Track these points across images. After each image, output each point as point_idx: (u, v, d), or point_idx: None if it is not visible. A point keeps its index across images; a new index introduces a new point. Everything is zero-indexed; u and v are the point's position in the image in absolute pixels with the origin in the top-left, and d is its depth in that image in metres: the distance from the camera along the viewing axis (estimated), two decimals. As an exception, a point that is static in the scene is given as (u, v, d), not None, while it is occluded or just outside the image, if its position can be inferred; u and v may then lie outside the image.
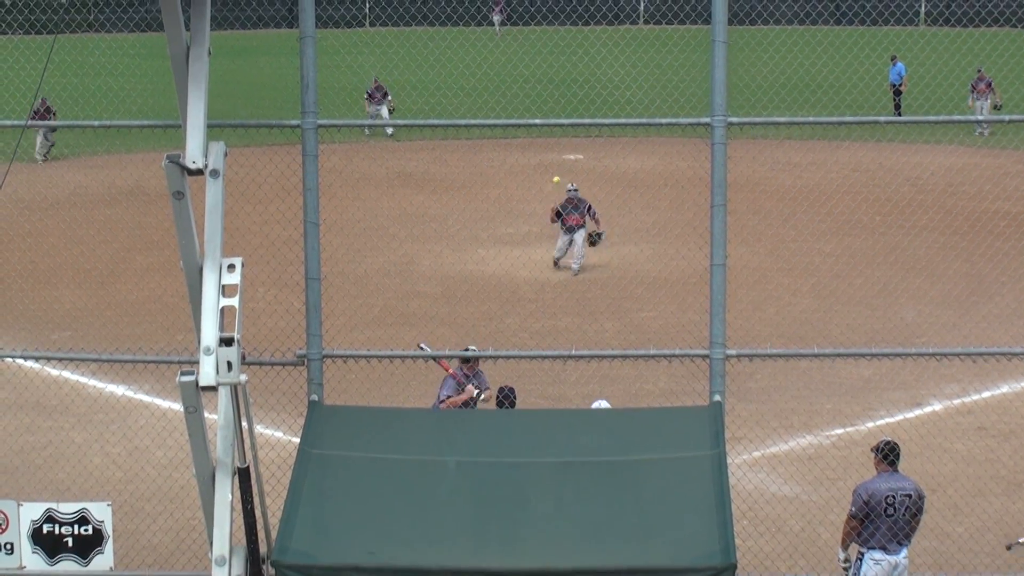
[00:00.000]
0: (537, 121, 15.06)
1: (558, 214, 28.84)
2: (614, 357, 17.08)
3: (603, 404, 16.18)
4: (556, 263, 28.71)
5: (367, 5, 72.92)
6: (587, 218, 28.76)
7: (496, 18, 69.96)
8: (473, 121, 19.22)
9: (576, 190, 29.25)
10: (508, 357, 17.59)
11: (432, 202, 33.72)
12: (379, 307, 24.87)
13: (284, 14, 62.87)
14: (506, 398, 16.37)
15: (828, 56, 39.09)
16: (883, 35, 49.57)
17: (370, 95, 45.30)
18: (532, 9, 55.82)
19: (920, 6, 69.18)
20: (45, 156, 40.99)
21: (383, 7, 66.80)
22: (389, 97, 45.19)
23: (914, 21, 65.74)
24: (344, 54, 42.93)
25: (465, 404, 16.45)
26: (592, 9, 61.14)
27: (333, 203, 13.36)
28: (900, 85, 47.01)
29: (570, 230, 28.78)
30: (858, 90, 41.78)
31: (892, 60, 47.43)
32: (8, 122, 14.83)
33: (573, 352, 14.68)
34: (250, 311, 11.14)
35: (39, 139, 40.87)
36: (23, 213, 29.85)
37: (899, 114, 44.57)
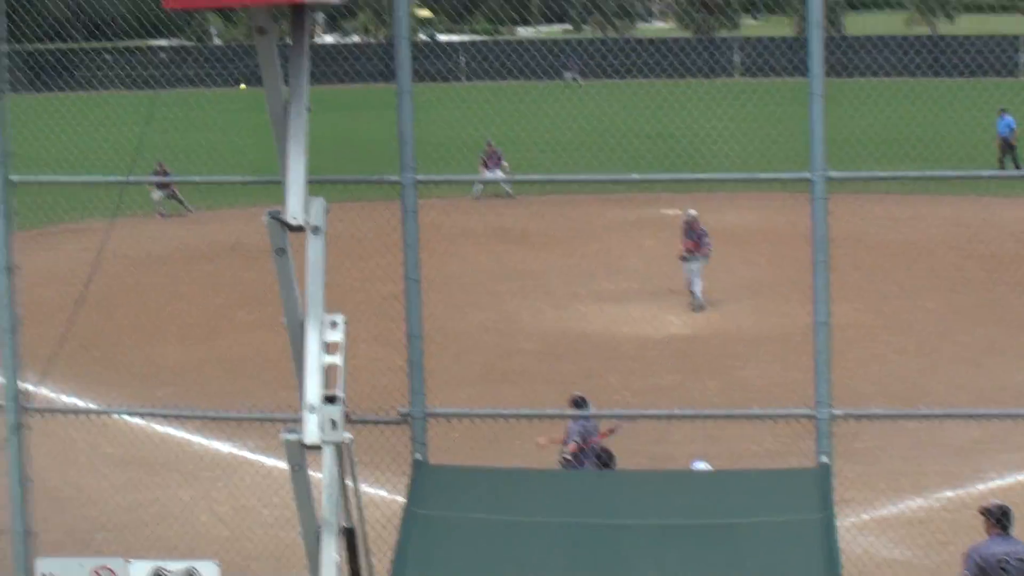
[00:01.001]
0: (635, 176, 15.08)
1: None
2: (717, 417, 16.98)
3: (703, 465, 16.06)
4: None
5: (463, 60, 73.48)
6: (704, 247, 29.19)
7: (568, 75, 70.39)
8: (572, 176, 19.20)
9: (695, 217, 29.52)
10: (610, 417, 17.57)
11: (531, 258, 33.83)
12: (480, 364, 24.90)
13: (381, 69, 63.43)
14: (602, 459, 16.34)
15: (928, 108, 38.82)
16: (983, 86, 49.02)
17: (485, 161, 45.34)
18: (628, 63, 56.07)
19: (1019, 56, 68.73)
20: (185, 209, 41.72)
21: (479, 61, 67.35)
22: (504, 162, 45.19)
23: (1013, 72, 65.28)
24: (441, 108, 43.12)
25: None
26: (687, 62, 61.27)
27: (433, 259, 13.42)
28: (1010, 138, 46.02)
29: (683, 257, 29.31)
30: (959, 143, 41.35)
31: (999, 112, 46.52)
32: (110, 178, 14.99)
33: (676, 412, 14.60)
34: (352, 368, 11.14)
35: (156, 196, 41.39)
36: (127, 269, 30.15)
37: (1016, 167, 44.01)
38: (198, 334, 27.40)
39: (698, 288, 29.25)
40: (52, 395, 17.73)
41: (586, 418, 17.15)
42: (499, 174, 43.50)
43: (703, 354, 25.75)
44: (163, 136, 36.53)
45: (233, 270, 31.89)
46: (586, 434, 17.36)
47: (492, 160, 45.12)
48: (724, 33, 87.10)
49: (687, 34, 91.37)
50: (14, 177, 13.25)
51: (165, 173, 37.82)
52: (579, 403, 17.13)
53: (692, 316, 28.79)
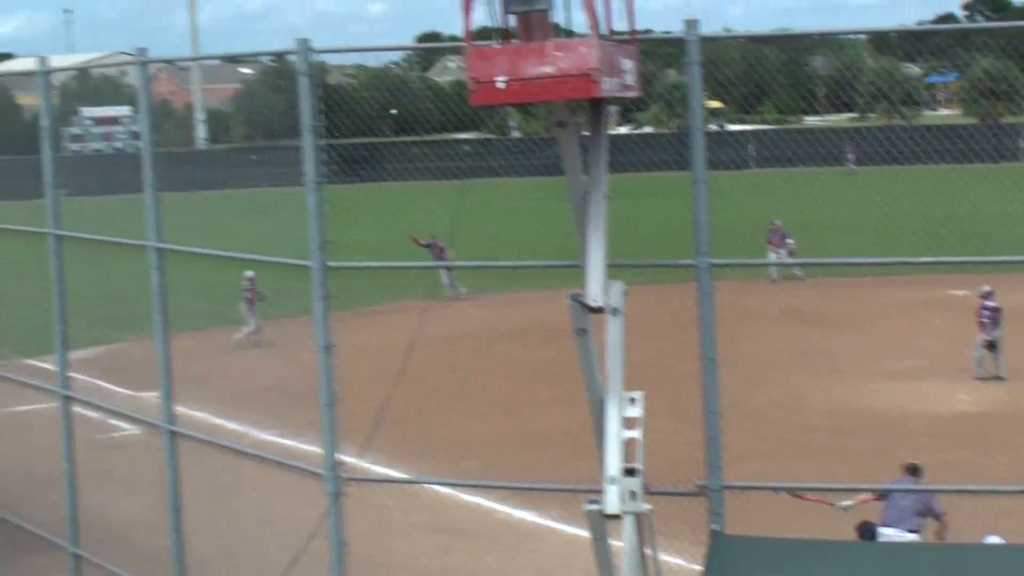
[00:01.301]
0: (926, 259, 15.18)
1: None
2: (1009, 492, 17.02)
3: (995, 540, 16.19)
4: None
5: (752, 147, 73.91)
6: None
7: (850, 157, 70.25)
8: (862, 259, 19.51)
9: (985, 292, 29.64)
10: (900, 491, 17.80)
11: (821, 337, 33.98)
12: (772, 439, 25.22)
13: (676, 158, 64.34)
14: (868, 531, 16.64)
15: None
16: None
17: (770, 239, 45.93)
18: (917, 149, 55.66)
19: None
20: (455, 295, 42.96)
21: (771, 149, 67.67)
22: (788, 239, 45.65)
23: None
24: (732, 194, 43.63)
25: None
26: (975, 147, 60.59)
27: (724, 337, 13.82)
28: None
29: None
30: None
31: None
32: (418, 263, 15.68)
33: (968, 487, 14.71)
34: (648, 441, 11.61)
35: (446, 280, 42.80)
36: (435, 346, 31.19)
37: None
38: (501, 409, 28.35)
39: (976, 354, 29.46)
40: (366, 465, 18.49)
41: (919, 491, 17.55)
42: (783, 253, 44.03)
43: (992, 430, 25.69)
44: (469, 223, 37.66)
45: (534, 349, 32.82)
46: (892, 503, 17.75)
47: (776, 237, 45.65)
48: (1011, 119, 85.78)
49: (973, 120, 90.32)
50: (331, 263, 13.79)
51: (441, 251, 39.29)
52: (912, 470, 17.60)
53: (981, 393, 28.69)
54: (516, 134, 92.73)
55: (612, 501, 10.97)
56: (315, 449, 14.62)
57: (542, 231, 39.68)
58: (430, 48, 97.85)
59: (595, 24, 10.24)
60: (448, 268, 40.58)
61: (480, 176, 63.99)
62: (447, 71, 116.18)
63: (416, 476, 19.92)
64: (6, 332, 28.46)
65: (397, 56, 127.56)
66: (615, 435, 11.19)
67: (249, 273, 37.05)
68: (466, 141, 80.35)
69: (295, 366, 24.03)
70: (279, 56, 18.87)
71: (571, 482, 15.69)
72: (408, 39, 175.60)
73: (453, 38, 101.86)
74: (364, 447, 14.56)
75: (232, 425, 27.12)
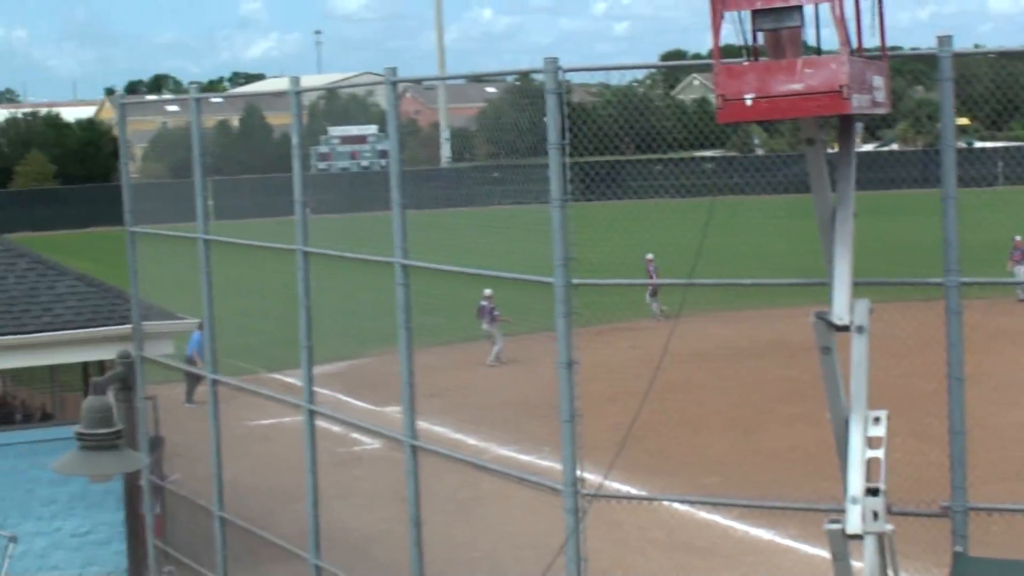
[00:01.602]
0: None
1: None
2: None
3: None
4: None
5: (1000, 165, 72.60)
6: None
7: None
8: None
9: None
10: None
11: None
12: (1019, 460, 24.65)
13: (926, 175, 63.51)
14: None
15: None
16: None
17: (1012, 255, 45.11)
18: None
19: None
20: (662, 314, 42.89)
21: (1022, 165, 66.41)
22: None
23: None
24: (979, 212, 42.84)
25: None
26: None
27: (970, 356, 13.59)
28: None
29: None
30: None
31: None
32: (663, 280, 15.65)
33: None
34: (891, 461, 11.45)
35: (654, 307, 42.88)
36: (674, 364, 31.16)
37: None
38: (741, 427, 28.21)
39: None
40: (604, 481, 18.53)
41: None
42: (1022, 269, 43.26)
43: None
44: (713, 241, 37.62)
45: (775, 366, 32.57)
46: None
47: (1018, 253, 44.93)
48: None
49: None
50: (575, 280, 13.84)
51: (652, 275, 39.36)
52: None
53: None
54: (760, 151, 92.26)
55: (854, 521, 10.86)
56: (552, 465, 14.65)
57: (785, 248, 39.38)
58: (676, 66, 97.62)
59: (846, 40, 10.18)
60: (655, 290, 40.79)
61: (723, 193, 64.03)
62: (690, 89, 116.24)
63: (655, 493, 19.86)
64: (253, 346, 29.18)
65: (640, 74, 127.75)
66: (858, 454, 11.06)
67: (488, 291, 37.49)
68: (709, 158, 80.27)
69: (534, 382, 24.21)
70: (523, 75, 19.05)
71: (811, 501, 15.51)
72: (651, 57, 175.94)
73: (697, 56, 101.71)
74: (611, 465, 14.47)
75: (471, 440, 27.44)
